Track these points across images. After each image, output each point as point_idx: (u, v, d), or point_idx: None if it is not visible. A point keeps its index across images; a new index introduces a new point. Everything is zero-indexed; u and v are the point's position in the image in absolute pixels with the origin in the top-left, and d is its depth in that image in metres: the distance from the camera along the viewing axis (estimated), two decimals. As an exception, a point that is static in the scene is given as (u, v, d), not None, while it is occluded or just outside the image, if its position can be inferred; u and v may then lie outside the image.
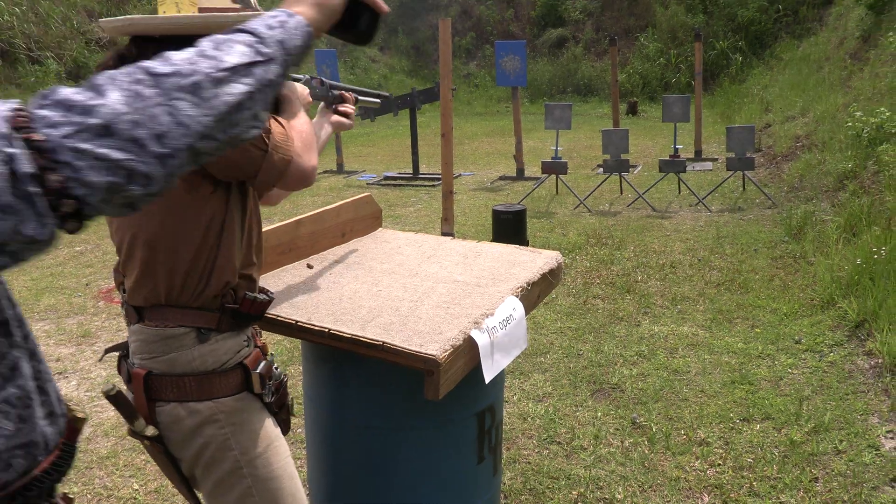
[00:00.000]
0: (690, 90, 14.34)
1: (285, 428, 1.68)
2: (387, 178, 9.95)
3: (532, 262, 2.29)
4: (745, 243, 5.97)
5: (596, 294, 4.94)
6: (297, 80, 1.71)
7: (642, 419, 3.26)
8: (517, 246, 2.46)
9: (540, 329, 4.35)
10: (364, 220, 2.64)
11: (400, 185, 9.42)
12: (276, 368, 1.61)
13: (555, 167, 7.49)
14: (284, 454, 1.58)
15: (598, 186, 7.89)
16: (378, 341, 1.71)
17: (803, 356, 3.83)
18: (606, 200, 7.89)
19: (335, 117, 1.86)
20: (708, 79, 17.62)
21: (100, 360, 2.91)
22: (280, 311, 1.90)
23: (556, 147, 7.72)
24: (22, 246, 0.72)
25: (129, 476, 2.97)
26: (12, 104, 0.74)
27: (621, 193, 8.04)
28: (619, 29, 20.11)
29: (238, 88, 0.88)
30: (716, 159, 9.90)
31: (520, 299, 2.02)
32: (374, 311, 1.89)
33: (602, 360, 3.90)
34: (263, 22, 0.96)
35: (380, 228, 2.72)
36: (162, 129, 0.80)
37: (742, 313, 4.48)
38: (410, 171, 9.86)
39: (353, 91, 1.96)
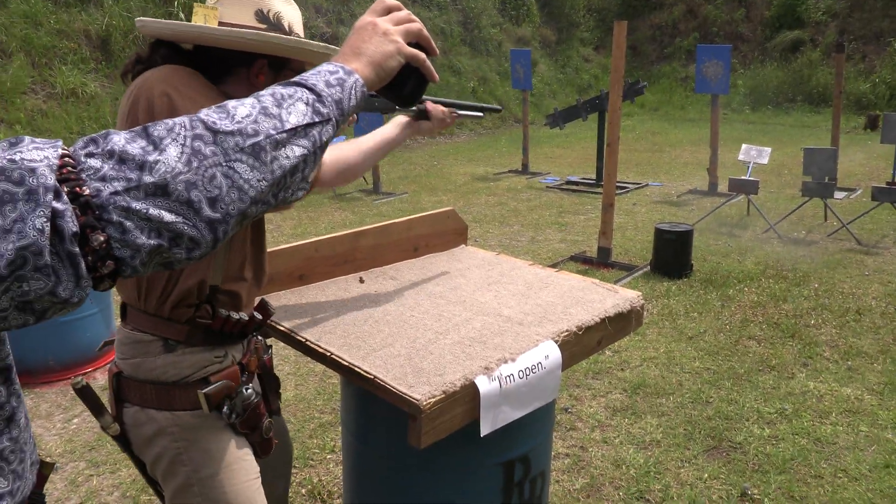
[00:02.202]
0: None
1: (263, 450, 1.63)
2: (569, 182, 9.67)
3: (600, 302, 2.04)
4: (966, 295, 4.97)
5: (752, 334, 4.38)
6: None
7: (756, 491, 2.81)
8: (595, 281, 2.21)
9: (672, 366, 3.94)
10: (444, 234, 2.53)
11: (580, 191, 9.11)
12: (247, 389, 1.55)
13: (743, 186, 6.77)
14: (243, 478, 1.52)
15: (795, 211, 7.02)
16: (370, 374, 1.60)
17: None
18: (805, 227, 7.00)
19: (412, 123, 1.83)
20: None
21: (98, 350, 3.03)
22: (298, 325, 1.86)
23: (895, 169, 6.68)
24: (50, 306, 0.68)
25: None
26: (58, 148, 0.68)
27: (825, 221, 7.10)
28: (868, 32, 17.82)
29: (296, 152, 0.83)
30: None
31: (560, 345, 1.79)
32: (389, 339, 1.78)
33: (733, 412, 3.43)
34: (322, 78, 0.90)
35: (462, 245, 2.59)
36: (217, 192, 0.75)
37: (931, 382, 3.72)
38: (594, 176, 9.49)
39: (452, 105, 1.88)
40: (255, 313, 1.56)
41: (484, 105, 1.96)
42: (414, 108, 1.61)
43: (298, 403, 3.59)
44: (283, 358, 4.12)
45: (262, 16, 1.39)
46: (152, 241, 0.71)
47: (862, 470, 2.95)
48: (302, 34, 1.47)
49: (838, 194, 8.00)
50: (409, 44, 1.07)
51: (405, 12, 1.08)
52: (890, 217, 7.03)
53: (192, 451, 1.44)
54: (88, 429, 3.38)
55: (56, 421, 3.46)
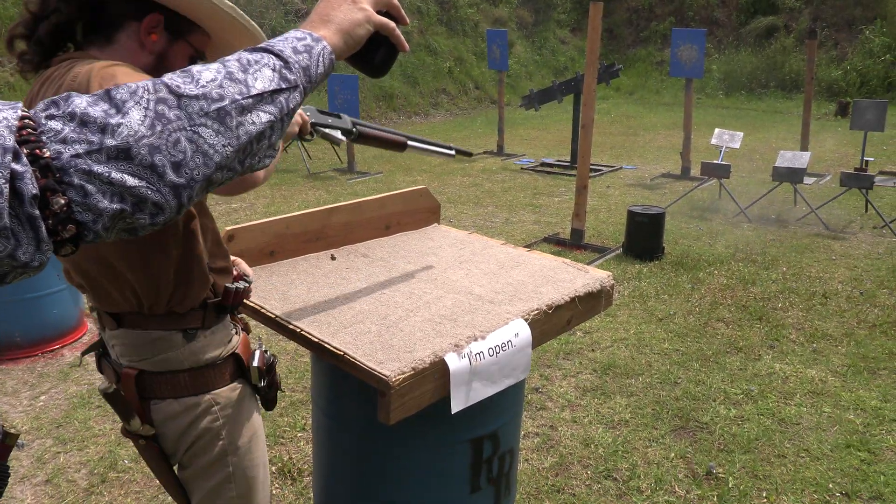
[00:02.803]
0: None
1: (271, 405, 1.68)
2: (544, 164, 9.69)
3: (571, 281, 2.05)
4: (928, 280, 5.09)
5: (721, 317, 4.44)
6: None
7: (720, 470, 2.86)
8: (566, 261, 2.22)
9: (642, 347, 3.99)
10: (416, 213, 2.52)
11: (554, 174, 9.13)
12: (266, 351, 1.60)
13: (716, 170, 6.84)
14: (263, 444, 1.59)
15: (765, 195, 7.10)
16: (340, 350, 1.60)
17: (953, 428, 3.18)
18: (775, 211, 7.10)
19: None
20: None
21: (78, 366, 3.05)
22: (268, 301, 1.84)
23: (863, 155, 6.74)
24: (10, 270, 0.66)
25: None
26: (18, 109, 0.67)
27: (795, 205, 7.20)
28: (840, 20, 18.02)
29: (262, 118, 0.81)
30: (925, 177, 8.54)
31: (530, 323, 1.80)
32: (359, 316, 1.77)
33: (700, 393, 3.48)
34: (289, 44, 0.88)
35: (434, 224, 2.58)
36: (181, 157, 0.74)
37: (892, 364, 3.80)
38: (569, 159, 9.51)
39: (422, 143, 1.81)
40: (247, 277, 1.58)
41: (456, 147, 1.90)
42: (351, 131, 1.56)
43: (269, 382, 3.57)
44: (253, 337, 4.08)
45: None
46: (115, 206, 0.70)
47: (824, 450, 3.01)
48: None
49: (808, 179, 8.11)
50: (380, 13, 1.05)
51: None
52: (857, 202, 7.15)
53: (230, 424, 1.47)
54: (55, 405, 3.33)
55: (22, 398, 3.41)
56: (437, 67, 16.17)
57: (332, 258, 2.18)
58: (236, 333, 1.53)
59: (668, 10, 21.07)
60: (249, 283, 1.56)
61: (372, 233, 2.37)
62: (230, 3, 1.29)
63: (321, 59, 0.91)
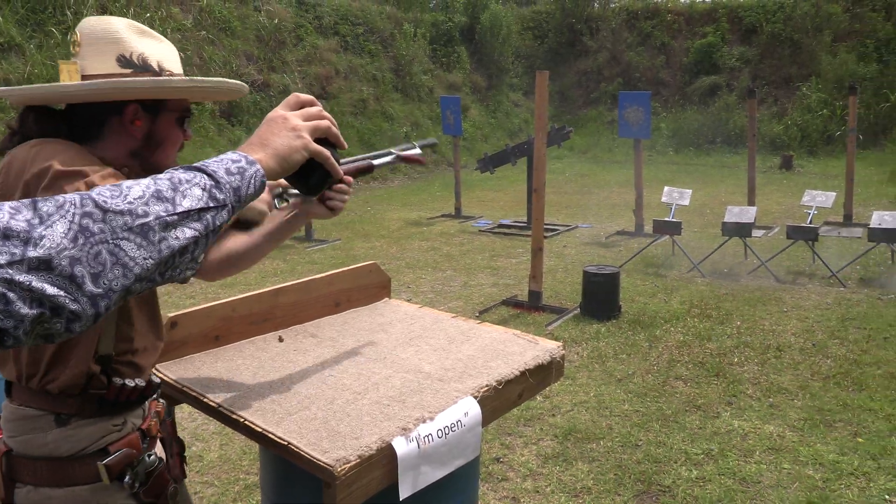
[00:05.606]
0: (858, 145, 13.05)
1: None
2: (502, 225, 9.80)
3: (521, 354, 2.04)
4: (876, 328, 5.21)
5: (679, 375, 4.47)
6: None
7: (684, 535, 2.83)
8: (517, 332, 2.22)
9: (602, 409, 3.98)
10: (366, 289, 2.51)
11: (512, 234, 9.23)
12: (150, 456, 1.48)
13: (667, 227, 6.99)
14: None
15: (716, 250, 7.27)
16: (284, 440, 1.55)
17: (910, 480, 3.21)
18: (727, 265, 7.25)
19: (316, 207, 1.55)
20: (878, 134, 16.10)
21: None
22: (210, 389, 1.80)
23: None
24: None
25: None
26: None
27: (745, 259, 7.37)
28: (778, 78, 18.88)
29: (185, 234, 0.87)
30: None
31: (480, 400, 1.78)
32: (306, 402, 1.74)
33: (662, 455, 3.47)
34: (223, 165, 0.95)
35: (385, 299, 2.57)
36: (101, 268, 0.78)
37: (846, 416, 3.85)
38: (525, 219, 9.64)
39: (361, 160, 1.76)
40: (153, 377, 1.51)
41: (419, 143, 1.81)
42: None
43: (223, 465, 3.45)
44: (207, 417, 3.97)
45: (124, 61, 1.33)
46: (34, 311, 0.72)
47: (785, 507, 3.01)
48: (176, 70, 1.41)
49: (756, 232, 8.33)
50: (319, 140, 1.12)
51: (317, 108, 1.13)
52: (805, 254, 7.35)
53: None
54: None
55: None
56: (393, 133, 16.41)
57: (280, 340, 2.14)
58: (119, 430, 1.42)
59: (615, 72, 21.84)
60: (151, 382, 1.49)
61: (322, 311, 2.35)
62: (184, 78, 1.36)
63: (252, 181, 0.97)
